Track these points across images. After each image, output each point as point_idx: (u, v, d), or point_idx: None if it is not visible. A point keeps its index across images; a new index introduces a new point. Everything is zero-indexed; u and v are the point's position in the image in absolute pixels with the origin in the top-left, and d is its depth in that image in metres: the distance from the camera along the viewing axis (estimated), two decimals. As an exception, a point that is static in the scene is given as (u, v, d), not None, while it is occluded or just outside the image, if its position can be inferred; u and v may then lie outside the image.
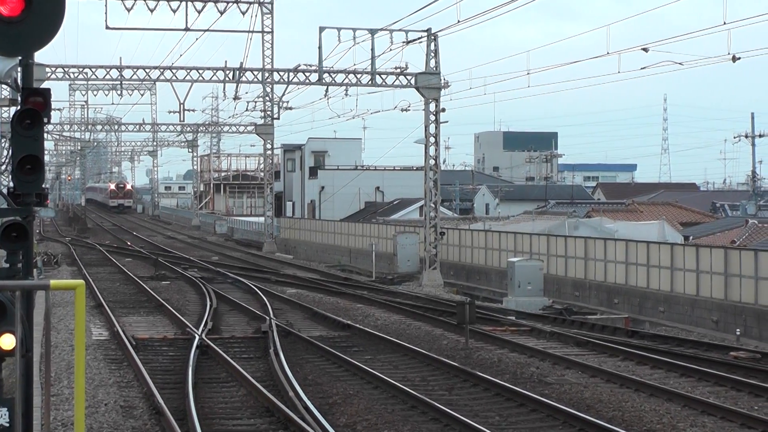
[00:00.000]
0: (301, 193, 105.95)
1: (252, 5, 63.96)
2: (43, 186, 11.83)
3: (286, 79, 58.68)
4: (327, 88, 58.46)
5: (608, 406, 22.69)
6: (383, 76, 55.66)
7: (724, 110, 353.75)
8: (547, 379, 26.06)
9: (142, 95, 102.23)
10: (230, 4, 60.24)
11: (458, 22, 47.09)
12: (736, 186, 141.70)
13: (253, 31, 67.94)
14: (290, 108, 77.11)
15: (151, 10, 54.64)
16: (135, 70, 58.70)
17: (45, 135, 11.84)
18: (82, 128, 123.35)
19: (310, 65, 56.61)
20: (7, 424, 9.97)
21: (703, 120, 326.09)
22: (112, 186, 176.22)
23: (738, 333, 35.27)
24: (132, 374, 26.43)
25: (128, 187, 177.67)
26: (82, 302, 9.24)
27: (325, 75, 56.32)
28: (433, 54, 54.19)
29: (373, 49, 54.36)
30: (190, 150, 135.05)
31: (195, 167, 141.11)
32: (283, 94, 73.62)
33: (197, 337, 30.70)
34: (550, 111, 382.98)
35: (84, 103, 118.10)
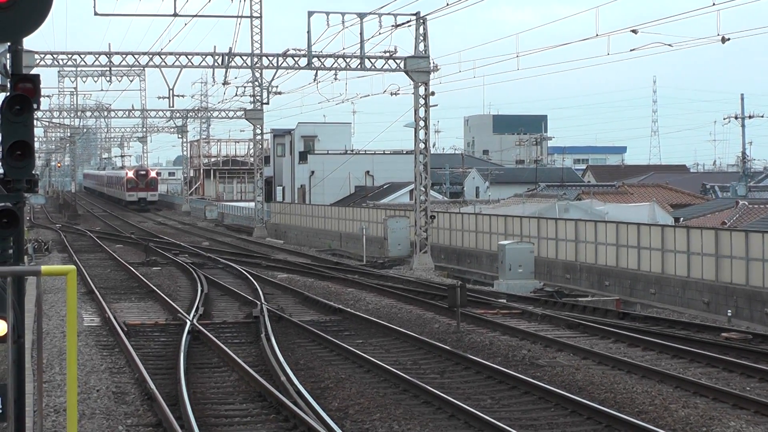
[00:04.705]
0: (291, 177, 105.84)
1: (240, -10, 63.82)
2: (33, 172, 11.82)
3: (275, 64, 58.57)
4: (316, 73, 58.42)
5: (600, 388, 22.70)
6: (372, 60, 55.60)
7: (714, 91, 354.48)
8: (539, 361, 26.08)
9: (131, 81, 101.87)
10: (219, -11, 60.13)
11: (447, 5, 47.02)
12: (726, 167, 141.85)
13: (241, 17, 67.92)
14: (279, 93, 77.18)
15: (140, -4, 54.44)
16: (124, 56, 58.49)
17: (35, 121, 11.83)
18: (72, 115, 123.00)
19: (299, 50, 56.52)
20: (0, 410, 9.97)
21: (693, 101, 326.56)
22: (131, 173, 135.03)
23: (729, 314, 35.33)
24: (124, 360, 26.42)
25: (152, 174, 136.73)
26: (73, 288, 9.24)
27: (314, 59, 56.21)
28: (422, 37, 54.11)
29: (362, 33, 54.30)
30: (179, 136, 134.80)
31: (185, 153, 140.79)
32: (273, 79, 73.80)
33: (188, 323, 30.67)
34: (540, 94, 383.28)
35: (73, 90, 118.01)
